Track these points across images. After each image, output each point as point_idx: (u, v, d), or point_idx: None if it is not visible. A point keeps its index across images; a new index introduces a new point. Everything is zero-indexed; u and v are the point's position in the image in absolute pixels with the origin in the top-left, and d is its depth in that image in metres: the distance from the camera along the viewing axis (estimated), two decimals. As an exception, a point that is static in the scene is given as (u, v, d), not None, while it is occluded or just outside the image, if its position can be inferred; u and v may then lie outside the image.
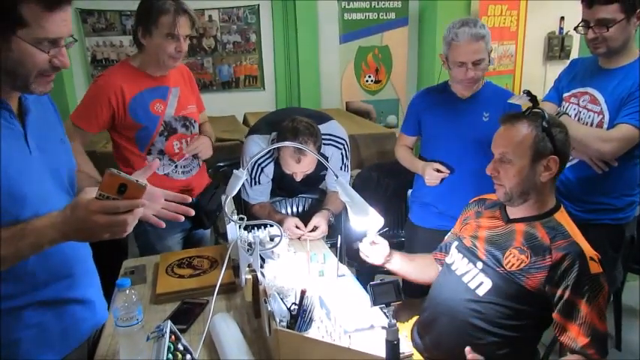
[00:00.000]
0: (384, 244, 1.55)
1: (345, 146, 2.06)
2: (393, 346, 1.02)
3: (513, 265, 1.29)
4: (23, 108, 1.05)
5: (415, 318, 1.60)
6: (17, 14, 0.90)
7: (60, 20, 0.95)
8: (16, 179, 0.97)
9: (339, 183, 1.39)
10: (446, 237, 1.67)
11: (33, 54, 0.94)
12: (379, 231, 1.49)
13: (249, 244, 1.44)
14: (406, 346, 1.27)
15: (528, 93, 1.39)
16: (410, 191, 2.43)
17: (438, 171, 1.93)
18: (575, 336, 1.20)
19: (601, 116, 1.70)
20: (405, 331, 1.57)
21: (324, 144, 1.94)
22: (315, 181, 2.11)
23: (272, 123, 2.02)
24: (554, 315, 1.24)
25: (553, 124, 1.30)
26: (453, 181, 1.94)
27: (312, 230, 1.90)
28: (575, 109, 1.79)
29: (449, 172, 1.92)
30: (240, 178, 1.30)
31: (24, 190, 0.99)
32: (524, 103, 1.45)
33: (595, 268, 1.21)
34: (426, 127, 2.03)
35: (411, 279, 1.66)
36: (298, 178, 1.93)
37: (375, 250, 1.55)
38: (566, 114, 1.77)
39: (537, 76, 5.00)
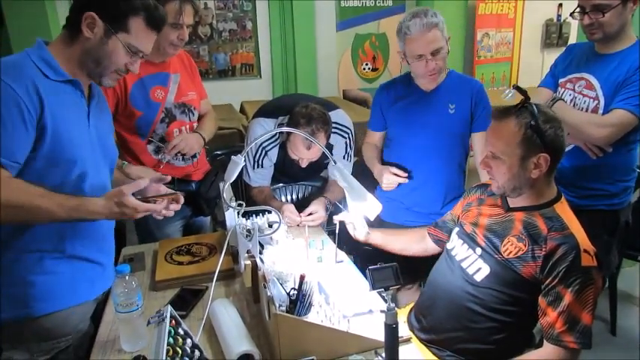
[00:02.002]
0: (356, 221, 1.66)
1: (350, 135, 2.06)
2: (392, 330, 1.03)
3: (511, 252, 1.30)
4: (91, 94, 1.31)
5: (411, 304, 1.62)
6: (126, 22, 1.19)
7: (150, 39, 1.25)
8: (73, 142, 1.20)
9: (338, 169, 1.39)
10: (444, 216, 1.68)
11: (120, 54, 1.21)
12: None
13: (248, 231, 1.45)
14: (404, 330, 1.29)
15: (517, 88, 1.35)
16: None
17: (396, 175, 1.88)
18: (553, 322, 1.21)
19: (596, 102, 1.70)
20: (403, 316, 1.58)
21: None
22: (317, 168, 2.11)
23: (279, 107, 2.01)
24: (540, 299, 1.25)
25: (544, 119, 1.27)
26: (420, 177, 1.91)
27: (309, 216, 1.90)
28: (570, 95, 1.79)
29: (406, 176, 1.88)
30: (238, 164, 1.30)
31: (77, 154, 1.21)
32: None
33: (587, 261, 1.21)
34: (391, 123, 1.98)
35: (394, 251, 1.70)
36: (303, 165, 1.92)
37: (357, 225, 1.66)
38: (561, 100, 1.77)
39: (535, 64, 4.99)
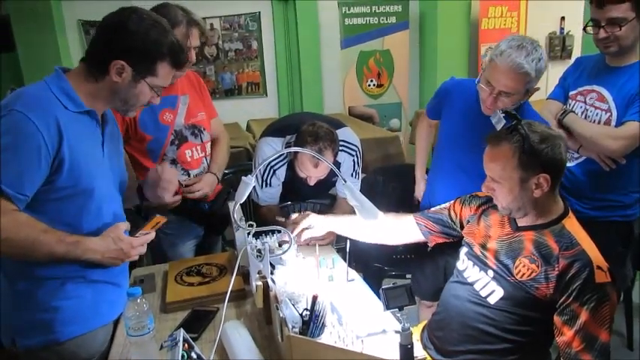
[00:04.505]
0: (310, 218, 1.65)
1: (358, 153, 2.06)
2: (407, 350, 1.02)
3: (524, 274, 1.27)
4: (104, 121, 1.34)
5: (424, 322, 1.59)
6: (154, 68, 1.24)
7: (171, 75, 1.30)
8: (90, 173, 1.23)
9: (348, 187, 1.39)
10: (438, 208, 1.63)
11: (147, 94, 1.28)
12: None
13: (259, 251, 1.44)
14: (419, 350, 1.27)
15: (506, 112, 1.32)
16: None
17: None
18: (570, 341, 1.18)
19: (609, 114, 1.70)
20: (415, 334, 1.56)
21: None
22: (326, 186, 2.10)
23: (287, 126, 2.02)
24: (555, 317, 1.23)
25: (539, 140, 1.24)
26: (454, 191, 1.77)
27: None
28: (581, 107, 1.78)
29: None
30: (248, 184, 1.31)
31: (94, 184, 1.24)
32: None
33: (601, 277, 1.19)
34: (443, 127, 1.91)
35: (370, 238, 1.67)
36: (312, 183, 1.92)
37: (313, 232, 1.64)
38: (572, 112, 1.76)
39: (539, 76, 4.99)
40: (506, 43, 1.56)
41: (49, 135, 1.13)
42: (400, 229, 1.65)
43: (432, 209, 1.65)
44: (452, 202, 1.61)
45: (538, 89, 1.62)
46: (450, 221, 1.58)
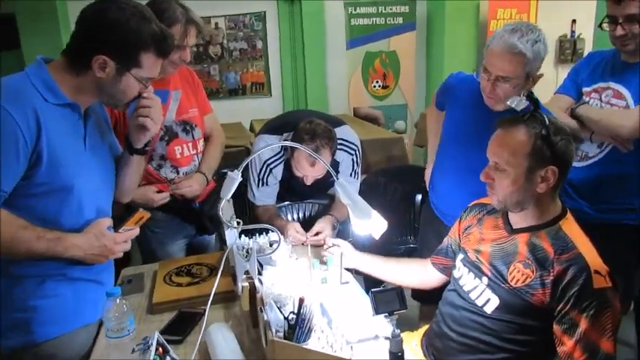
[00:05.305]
0: (344, 246, 1.58)
1: (357, 152, 1.99)
2: (397, 358, 0.95)
3: (518, 280, 1.20)
4: (87, 114, 1.28)
5: (425, 327, 1.53)
6: (137, 59, 1.18)
7: (159, 65, 1.25)
8: (71, 168, 1.17)
9: (340, 185, 1.33)
10: (445, 240, 1.57)
11: (135, 87, 1.23)
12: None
13: (248, 250, 1.38)
14: (416, 356, 1.20)
15: (528, 95, 1.24)
16: (419, 196, 2.36)
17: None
18: (571, 351, 1.11)
19: None
20: (416, 339, 1.50)
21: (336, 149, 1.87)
22: (324, 186, 2.04)
23: (285, 124, 1.97)
24: (554, 326, 1.16)
25: (554, 130, 1.18)
26: (460, 189, 1.76)
27: (316, 235, 1.83)
28: (597, 105, 1.73)
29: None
30: (234, 179, 1.25)
31: (74, 180, 1.18)
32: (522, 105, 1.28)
33: (600, 282, 1.11)
34: (447, 122, 1.85)
35: (396, 282, 1.56)
36: (308, 182, 1.87)
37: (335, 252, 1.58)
38: (586, 103, 1.71)
39: (549, 80, 4.86)
40: (502, 28, 1.52)
41: (27, 128, 1.08)
42: (426, 278, 1.58)
43: (441, 245, 1.58)
44: (452, 228, 1.55)
45: (542, 76, 1.56)
46: (451, 246, 1.52)
